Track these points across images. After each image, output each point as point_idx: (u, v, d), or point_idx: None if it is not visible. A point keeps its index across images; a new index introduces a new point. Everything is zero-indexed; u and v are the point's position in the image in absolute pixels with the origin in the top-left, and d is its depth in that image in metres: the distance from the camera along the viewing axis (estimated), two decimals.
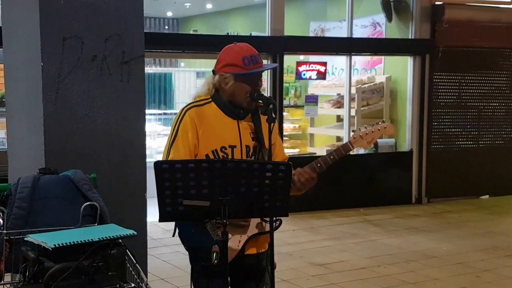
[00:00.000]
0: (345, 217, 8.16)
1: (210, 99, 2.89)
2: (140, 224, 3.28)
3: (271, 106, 2.72)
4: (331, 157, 2.93)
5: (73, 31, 3.11)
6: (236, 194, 2.41)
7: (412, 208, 8.81)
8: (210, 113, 2.85)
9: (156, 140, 9.43)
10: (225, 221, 2.41)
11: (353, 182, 8.56)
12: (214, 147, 2.82)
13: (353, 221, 7.97)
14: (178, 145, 2.79)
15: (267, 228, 2.82)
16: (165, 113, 10.23)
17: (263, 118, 2.85)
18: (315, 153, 8.80)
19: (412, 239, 7.04)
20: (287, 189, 2.49)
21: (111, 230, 2.37)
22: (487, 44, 9.15)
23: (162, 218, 2.46)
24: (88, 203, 2.52)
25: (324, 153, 9.00)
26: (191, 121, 2.80)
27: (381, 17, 9.35)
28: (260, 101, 2.81)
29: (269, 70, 7.24)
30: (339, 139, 9.43)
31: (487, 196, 9.44)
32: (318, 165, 2.88)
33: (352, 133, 3.02)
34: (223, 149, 2.83)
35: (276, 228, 2.79)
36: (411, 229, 7.56)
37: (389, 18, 9.09)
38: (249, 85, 2.79)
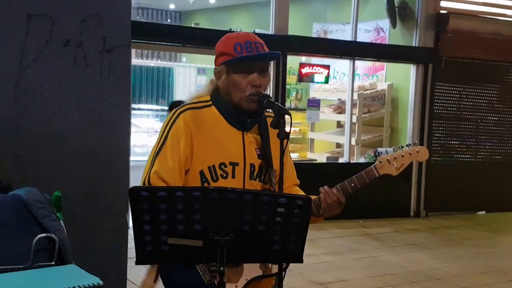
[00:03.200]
0: (344, 228, 7.57)
1: (210, 102, 2.18)
2: (119, 254, 2.52)
3: (285, 117, 2.00)
4: (352, 185, 2.24)
5: (41, 7, 2.31)
6: (237, 233, 1.73)
7: (411, 222, 8.23)
8: (210, 120, 2.14)
9: (153, 137, 8.69)
10: (222, 268, 1.70)
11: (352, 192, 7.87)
12: (212, 163, 2.11)
13: (353, 234, 7.41)
14: (165, 155, 2.08)
15: (274, 269, 2.11)
16: (163, 110, 9.47)
17: (272, 132, 2.14)
18: (315, 160, 8.12)
19: (413, 257, 6.47)
20: (303, 230, 1.78)
21: (70, 278, 1.65)
22: (489, 57, 8.60)
23: (140, 260, 1.77)
24: (43, 234, 1.79)
25: (324, 160, 8.52)
26: (185, 127, 2.09)
27: (385, 23, 8.70)
28: (270, 111, 2.10)
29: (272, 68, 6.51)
30: (339, 145, 8.77)
31: (483, 212, 8.89)
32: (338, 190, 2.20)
33: (377, 157, 2.31)
34: (222, 167, 2.12)
35: (285, 269, 2.07)
36: (412, 246, 6.98)
37: (393, 24, 8.44)
38: (243, 78, 2.08)
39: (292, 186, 2.33)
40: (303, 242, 1.79)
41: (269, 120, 2.22)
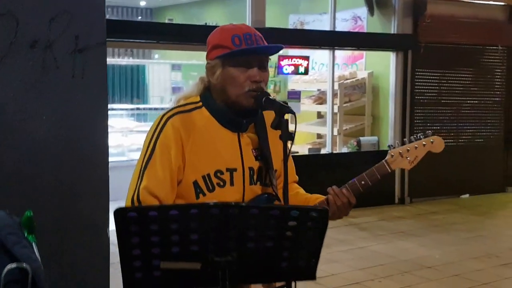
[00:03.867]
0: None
1: (200, 103, 1.92)
2: (100, 275, 2.24)
3: (288, 116, 1.76)
4: (362, 182, 2.02)
5: (3, 5, 2.02)
6: (240, 252, 1.48)
7: (396, 209, 8.07)
8: (201, 123, 1.89)
9: (129, 137, 8.36)
10: None
11: (335, 182, 7.67)
12: (206, 171, 1.86)
13: (338, 225, 7.07)
14: (155, 167, 1.82)
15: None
16: (138, 108, 9.14)
17: (271, 131, 1.90)
18: (297, 152, 7.88)
19: (402, 246, 6.30)
20: (318, 244, 1.55)
21: None
22: (467, 41, 8.48)
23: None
24: (13, 265, 1.53)
25: (306, 152, 8.33)
26: (175, 134, 1.83)
27: (362, 11, 8.50)
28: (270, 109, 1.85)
29: None
30: (319, 136, 8.57)
31: (467, 195, 8.78)
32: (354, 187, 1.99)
33: (389, 150, 2.10)
34: (218, 174, 1.88)
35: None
36: (399, 234, 6.81)
37: (371, 12, 8.25)
38: (242, 73, 1.84)
39: (291, 183, 2.11)
40: (316, 257, 1.56)
41: (266, 115, 1.99)
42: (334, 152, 8.06)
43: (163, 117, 1.87)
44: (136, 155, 8.64)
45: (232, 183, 1.89)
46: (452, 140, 8.65)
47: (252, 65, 1.85)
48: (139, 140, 8.24)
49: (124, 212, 1.42)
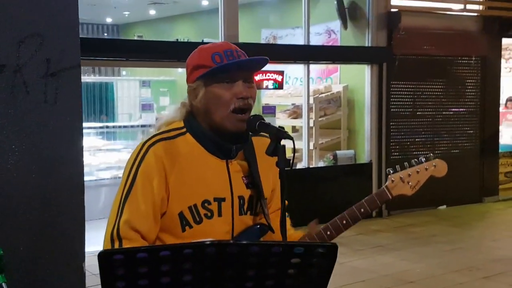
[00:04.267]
0: None
1: (184, 129, 1.80)
2: None
3: (285, 141, 1.65)
4: (362, 210, 1.92)
5: None
6: None
7: (374, 222, 7.99)
8: (186, 150, 1.76)
9: (97, 156, 8.14)
10: None
11: (312, 196, 7.63)
12: (193, 202, 1.74)
13: None
14: (136, 199, 1.69)
15: None
16: (106, 126, 8.93)
17: (260, 153, 1.78)
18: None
19: (382, 260, 6.23)
20: (324, 281, 1.43)
21: None
22: (442, 52, 8.50)
23: None
24: None
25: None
26: (157, 163, 1.71)
27: (335, 24, 8.50)
28: (264, 134, 1.74)
29: None
30: (295, 151, 8.49)
31: (444, 207, 8.78)
32: (344, 222, 1.88)
33: (388, 175, 2.00)
34: (205, 205, 1.75)
35: None
36: (378, 248, 6.74)
37: (344, 25, 8.24)
38: (226, 90, 1.71)
39: (277, 210, 1.99)
40: None
41: (255, 141, 1.88)
42: (311, 166, 7.99)
43: (144, 145, 1.74)
44: (105, 174, 8.35)
45: (220, 214, 1.77)
46: (428, 152, 8.61)
47: (236, 81, 1.73)
48: (108, 159, 8.06)
49: (109, 255, 1.28)
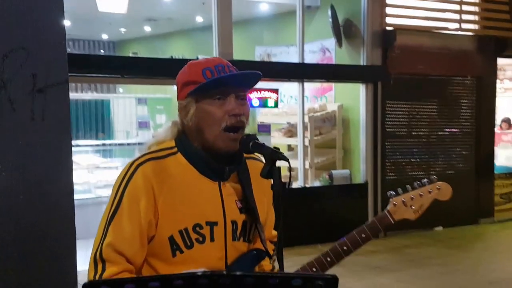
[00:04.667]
0: (302, 255, 6.99)
1: (175, 149, 1.71)
2: None
3: (280, 163, 1.57)
4: (363, 235, 1.84)
5: None
6: None
7: (371, 243, 7.55)
8: (177, 171, 1.68)
9: (95, 174, 8.08)
10: None
11: (309, 216, 7.55)
12: (184, 226, 1.65)
13: None
14: (121, 221, 1.60)
15: None
16: (104, 144, 8.88)
17: (255, 176, 1.70)
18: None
19: (379, 282, 6.16)
20: None
21: None
22: (437, 72, 8.45)
23: None
24: None
25: None
26: (145, 184, 1.62)
27: (330, 42, 8.46)
28: (258, 155, 1.66)
29: None
30: (291, 170, 8.42)
31: (440, 228, 8.70)
32: (345, 248, 1.80)
33: (390, 198, 1.92)
34: (197, 229, 1.66)
35: None
36: (375, 269, 6.65)
37: (339, 43, 8.19)
38: (218, 107, 1.64)
39: (269, 238, 1.89)
40: None
41: (249, 163, 1.80)
42: (307, 185, 7.91)
43: (133, 164, 1.66)
44: (103, 192, 8.24)
45: (212, 239, 1.68)
46: (423, 172, 8.59)
47: (228, 96, 1.65)
48: (106, 176, 8.03)
49: (95, 287, 1.19)
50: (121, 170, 1.68)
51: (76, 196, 6.52)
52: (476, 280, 6.20)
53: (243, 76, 1.67)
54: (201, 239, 1.66)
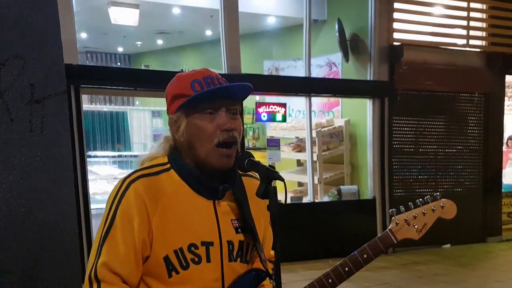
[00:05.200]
0: (314, 270, 7.04)
1: (168, 165, 1.65)
2: None
3: (275, 183, 1.51)
4: (365, 256, 1.76)
5: None
6: None
7: (380, 259, 7.64)
8: (170, 189, 1.62)
9: (113, 184, 8.13)
10: None
11: (318, 231, 7.48)
12: (179, 245, 1.59)
13: None
14: (115, 240, 1.55)
15: None
16: (120, 156, 8.89)
17: (252, 194, 1.64)
18: (280, 201, 7.65)
19: None
20: None
21: None
22: (444, 88, 8.35)
23: None
24: None
25: (289, 200, 8.03)
26: (137, 202, 1.56)
27: (337, 57, 8.40)
28: (254, 173, 1.60)
29: None
30: (300, 184, 8.34)
31: (448, 245, 8.57)
32: (346, 269, 1.72)
33: (392, 217, 1.84)
34: (192, 249, 1.61)
35: None
36: (384, 285, 6.57)
37: (346, 58, 8.11)
38: (209, 122, 1.58)
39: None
40: None
41: (245, 181, 1.73)
42: (316, 201, 7.82)
43: (124, 182, 1.60)
44: None
45: (208, 259, 1.62)
46: (431, 190, 8.47)
47: (219, 110, 1.60)
48: None
49: None
50: (113, 188, 1.63)
51: (96, 206, 6.52)
52: None
53: (232, 88, 1.61)
54: (196, 259, 1.61)
